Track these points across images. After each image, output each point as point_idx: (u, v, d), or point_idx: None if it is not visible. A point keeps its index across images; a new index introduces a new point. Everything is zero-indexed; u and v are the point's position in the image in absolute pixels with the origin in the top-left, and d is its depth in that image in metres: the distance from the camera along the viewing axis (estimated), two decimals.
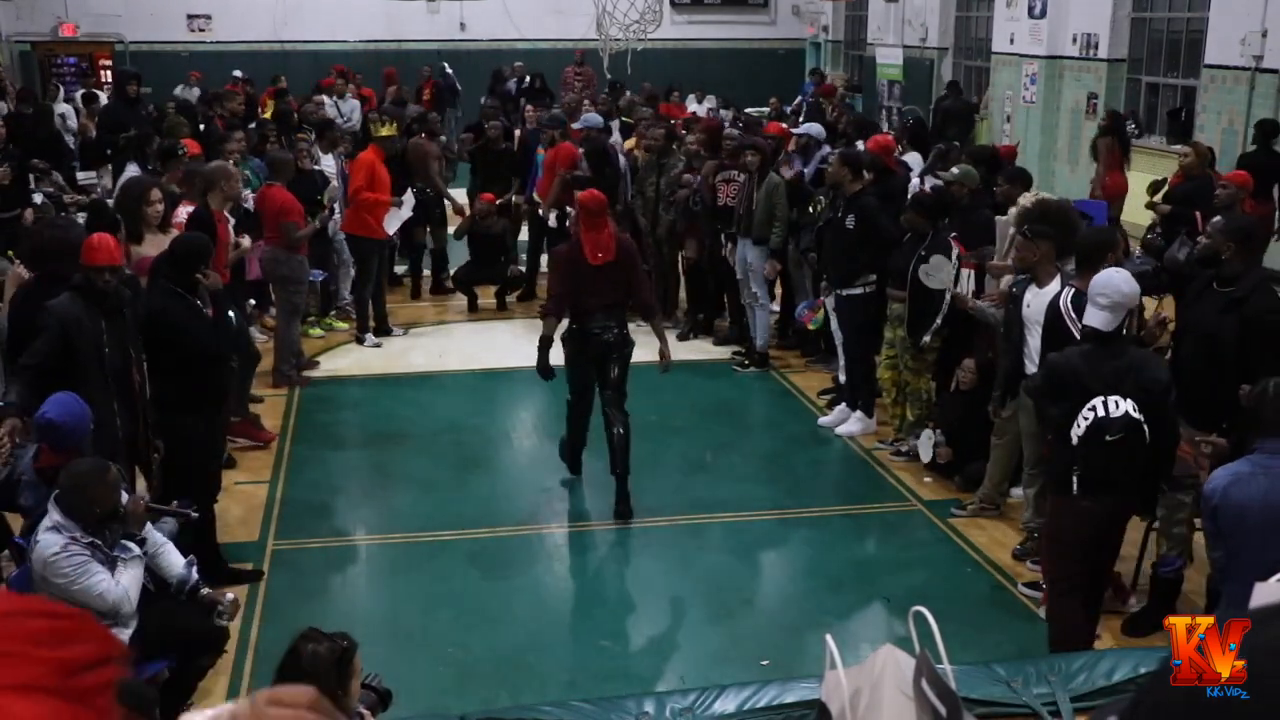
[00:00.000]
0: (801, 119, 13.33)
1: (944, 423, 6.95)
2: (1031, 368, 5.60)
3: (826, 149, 9.50)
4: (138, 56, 20.35)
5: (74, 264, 5.37)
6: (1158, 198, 9.07)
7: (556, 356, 6.56)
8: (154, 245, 6.53)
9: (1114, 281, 4.55)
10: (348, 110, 14.26)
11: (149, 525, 4.54)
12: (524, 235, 11.14)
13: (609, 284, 6.43)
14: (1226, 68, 12.34)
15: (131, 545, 4.28)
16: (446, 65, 19.00)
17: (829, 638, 2.41)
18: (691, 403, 8.67)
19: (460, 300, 10.96)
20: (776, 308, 9.56)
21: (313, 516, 6.65)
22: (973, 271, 6.90)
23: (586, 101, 14.08)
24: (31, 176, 10.33)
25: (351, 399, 8.70)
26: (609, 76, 16.83)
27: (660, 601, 5.75)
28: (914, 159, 10.06)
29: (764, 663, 5.06)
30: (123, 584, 4.18)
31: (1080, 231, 5.96)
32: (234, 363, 6.42)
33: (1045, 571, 5.13)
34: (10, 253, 6.55)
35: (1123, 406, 4.37)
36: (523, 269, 10.95)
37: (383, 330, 9.95)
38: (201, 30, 21.51)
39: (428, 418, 8.29)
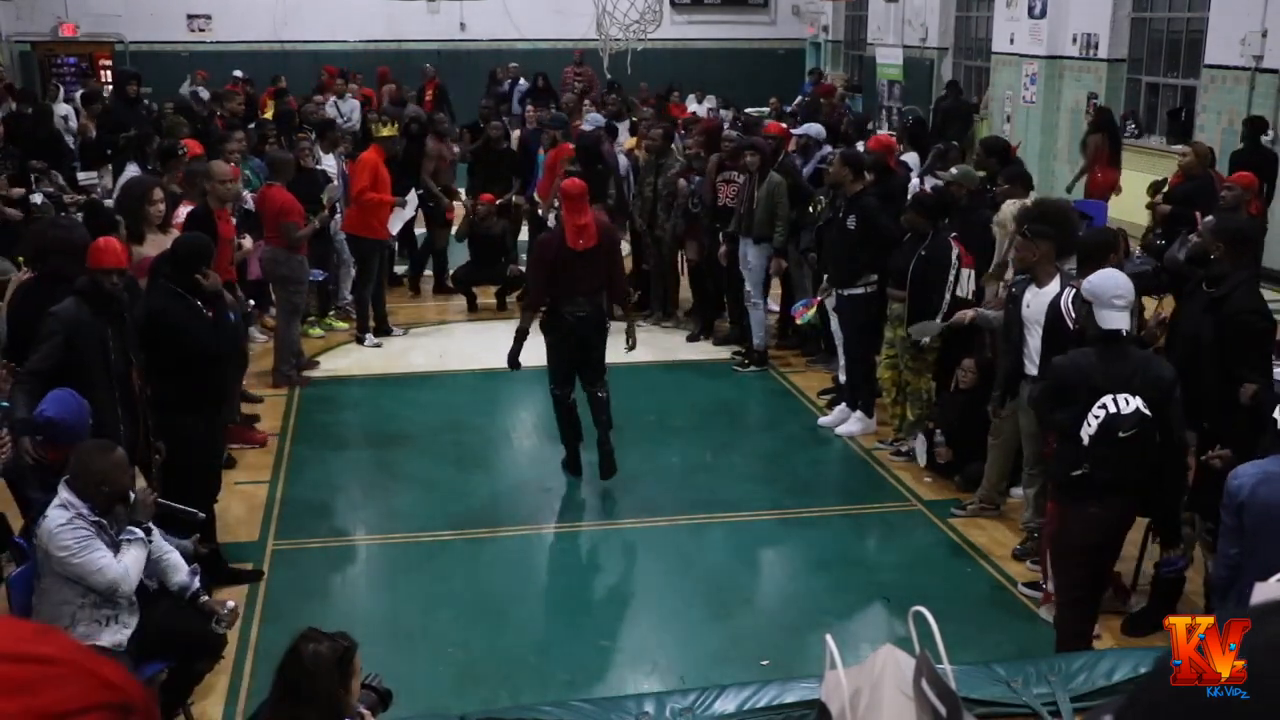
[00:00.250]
0: (799, 119, 13.33)
1: (944, 423, 6.95)
2: (1031, 368, 5.60)
3: (827, 149, 9.51)
4: (138, 56, 20.35)
5: (76, 264, 5.37)
6: (1158, 198, 9.08)
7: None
8: (154, 245, 6.53)
9: (1124, 281, 4.55)
10: (348, 110, 14.26)
11: (156, 532, 4.54)
12: (524, 235, 11.15)
13: (590, 269, 6.58)
14: (1226, 68, 12.35)
15: (137, 529, 4.28)
16: (428, 65, 18.96)
17: (829, 638, 2.41)
18: (691, 403, 8.67)
19: (460, 300, 10.96)
20: (775, 307, 9.56)
21: (313, 516, 6.65)
22: (973, 271, 6.90)
23: (587, 102, 14.07)
24: (32, 176, 10.33)
25: (351, 399, 8.70)
26: (609, 76, 16.83)
27: (660, 601, 5.75)
28: (912, 159, 10.08)
29: (764, 663, 5.06)
30: (124, 563, 4.16)
31: (1078, 231, 5.97)
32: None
33: (1053, 579, 5.10)
34: (20, 259, 6.55)
35: (1133, 403, 4.37)
36: (523, 269, 10.95)
37: (383, 330, 9.95)
38: (201, 30, 21.51)
39: (428, 418, 8.29)
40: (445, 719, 4.19)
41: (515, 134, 12.65)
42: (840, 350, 7.97)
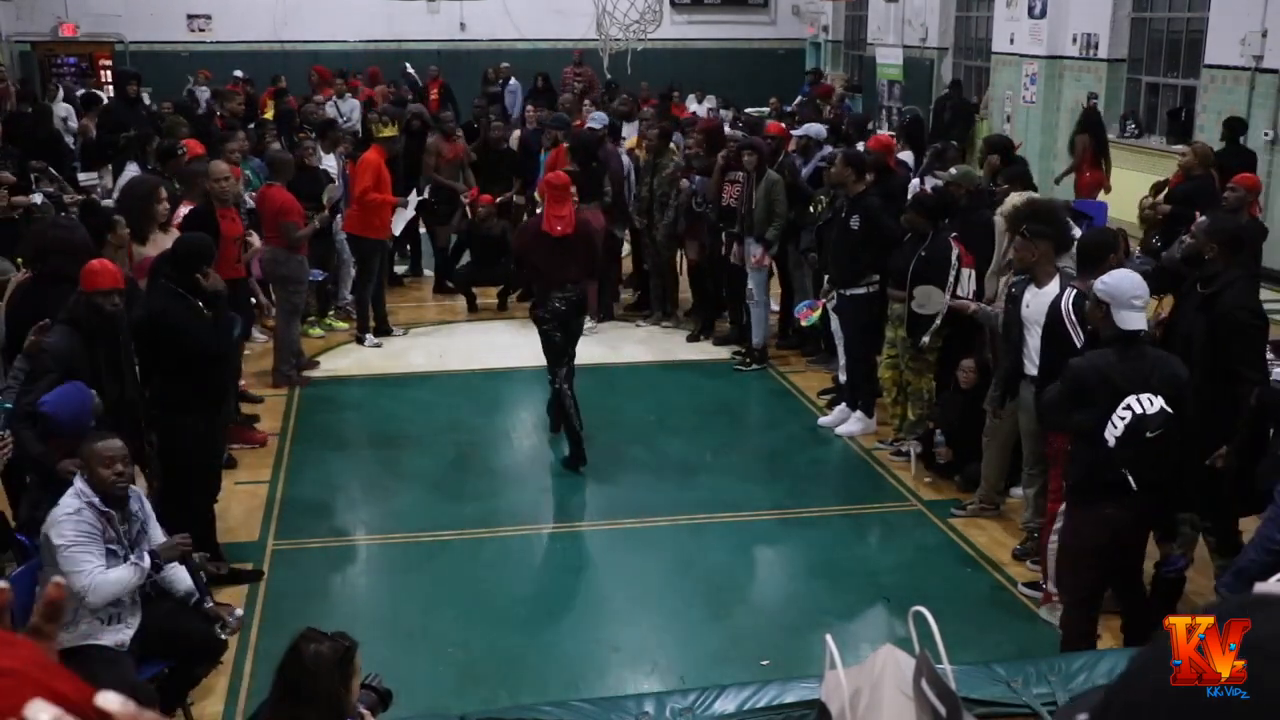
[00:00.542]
0: (798, 120, 13.33)
1: (944, 423, 6.95)
2: (1031, 368, 5.59)
3: (827, 149, 9.51)
4: (138, 56, 20.35)
5: (75, 264, 5.36)
6: (1159, 198, 9.09)
7: None
8: (155, 246, 6.54)
9: (1139, 281, 4.54)
10: (347, 110, 14.26)
11: (160, 532, 4.55)
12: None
13: (568, 256, 7.03)
14: (1226, 68, 12.35)
15: (145, 558, 4.27)
16: (408, 65, 18.91)
17: (829, 638, 2.41)
18: (691, 403, 8.67)
19: (460, 300, 10.96)
20: (776, 307, 9.57)
21: (313, 516, 6.65)
22: (973, 271, 6.90)
23: (587, 102, 14.06)
24: (32, 176, 10.33)
25: (351, 399, 8.70)
26: (609, 76, 16.83)
27: (660, 601, 5.75)
28: (907, 158, 10.10)
29: (764, 663, 5.06)
30: (108, 577, 4.12)
31: (1069, 227, 5.97)
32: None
33: (1061, 579, 5.09)
34: (19, 260, 6.54)
35: (1156, 403, 4.37)
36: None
37: (383, 330, 9.95)
38: (201, 30, 21.51)
39: (428, 418, 8.29)
40: (445, 719, 4.19)
41: (515, 134, 12.65)
42: (840, 350, 7.97)
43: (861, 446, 7.67)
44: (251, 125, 11.71)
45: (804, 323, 8.50)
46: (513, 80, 18.95)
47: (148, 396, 5.63)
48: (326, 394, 8.68)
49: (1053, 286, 5.54)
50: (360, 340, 9.79)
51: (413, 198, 10.18)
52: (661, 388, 9.05)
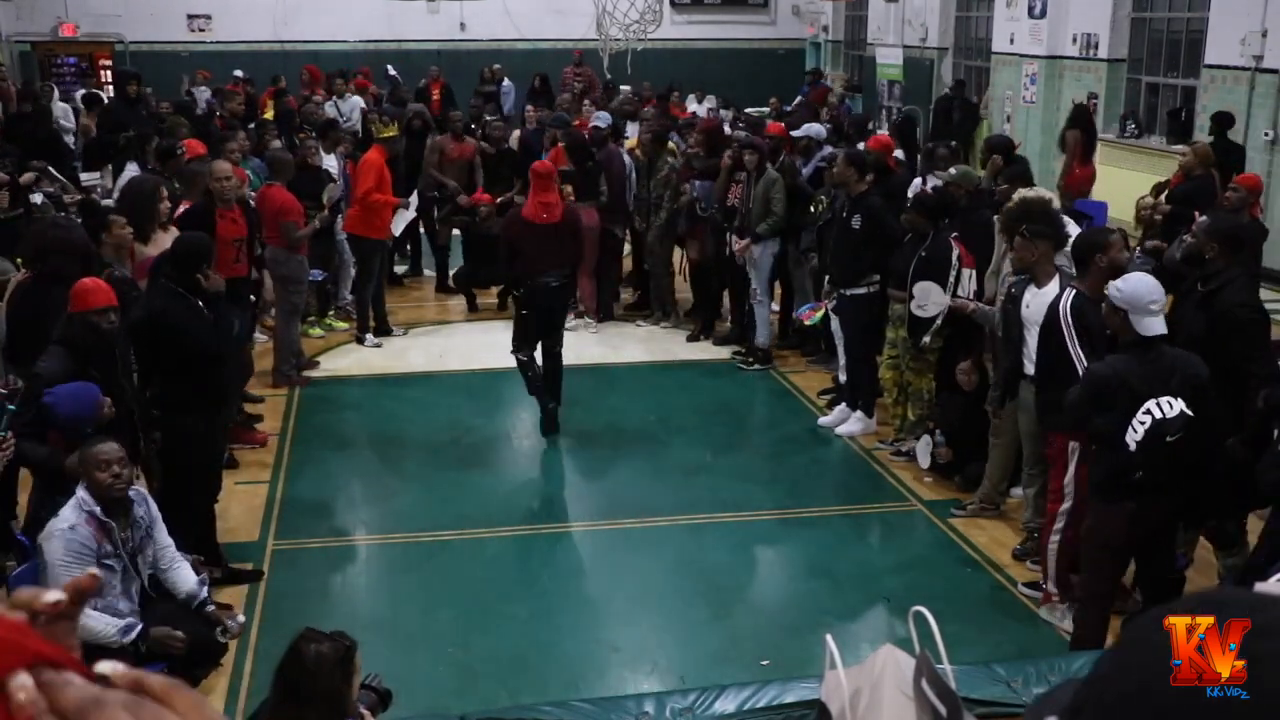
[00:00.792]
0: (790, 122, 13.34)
1: (944, 423, 6.95)
2: (1031, 368, 5.59)
3: (827, 149, 9.52)
4: (138, 56, 20.34)
5: (75, 263, 5.36)
6: (1160, 199, 9.10)
7: None
8: (156, 245, 6.54)
9: (1155, 284, 4.54)
10: (347, 110, 14.25)
11: (169, 543, 4.55)
12: None
13: (553, 244, 7.31)
14: (1226, 68, 12.35)
15: (133, 632, 4.20)
16: (390, 67, 18.89)
17: (829, 638, 2.42)
18: (692, 403, 8.67)
19: (460, 300, 10.96)
20: (776, 307, 9.57)
21: (313, 516, 6.65)
22: (973, 271, 6.90)
23: (587, 102, 14.06)
24: (33, 175, 10.33)
25: (351, 399, 8.70)
26: (609, 76, 16.82)
27: (660, 601, 5.75)
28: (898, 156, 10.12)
29: (764, 663, 5.06)
30: (86, 615, 4.09)
31: (1062, 224, 5.98)
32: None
33: (1081, 576, 5.08)
34: (19, 260, 6.54)
35: (1176, 406, 4.38)
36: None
37: (383, 330, 9.95)
38: (201, 30, 21.50)
39: (428, 418, 8.29)
40: (445, 719, 4.19)
41: (515, 134, 12.65)
42: (841, 350, 7.97)
43: (861, 446, 7.67)
44: (252, 125, 11.71)
45: (807, 323, 8.51)
46: (506, 80, 18.94)
47: (148, 397, 5.63)
48: (326, 394, 8.68)
49: (1052, 286, 5.54)
50: (360, 340, 9.79)
51: (414, 198, 10.18)
52: (661, 388, 9.05)
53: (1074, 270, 5.59)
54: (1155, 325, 4.47)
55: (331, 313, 10.35)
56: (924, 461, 7.03)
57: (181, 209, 7.41)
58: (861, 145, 9.12)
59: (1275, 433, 5.05)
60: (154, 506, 4.57)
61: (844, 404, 7.97)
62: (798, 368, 9.21)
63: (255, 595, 5.67)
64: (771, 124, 10.66)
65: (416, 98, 15.87)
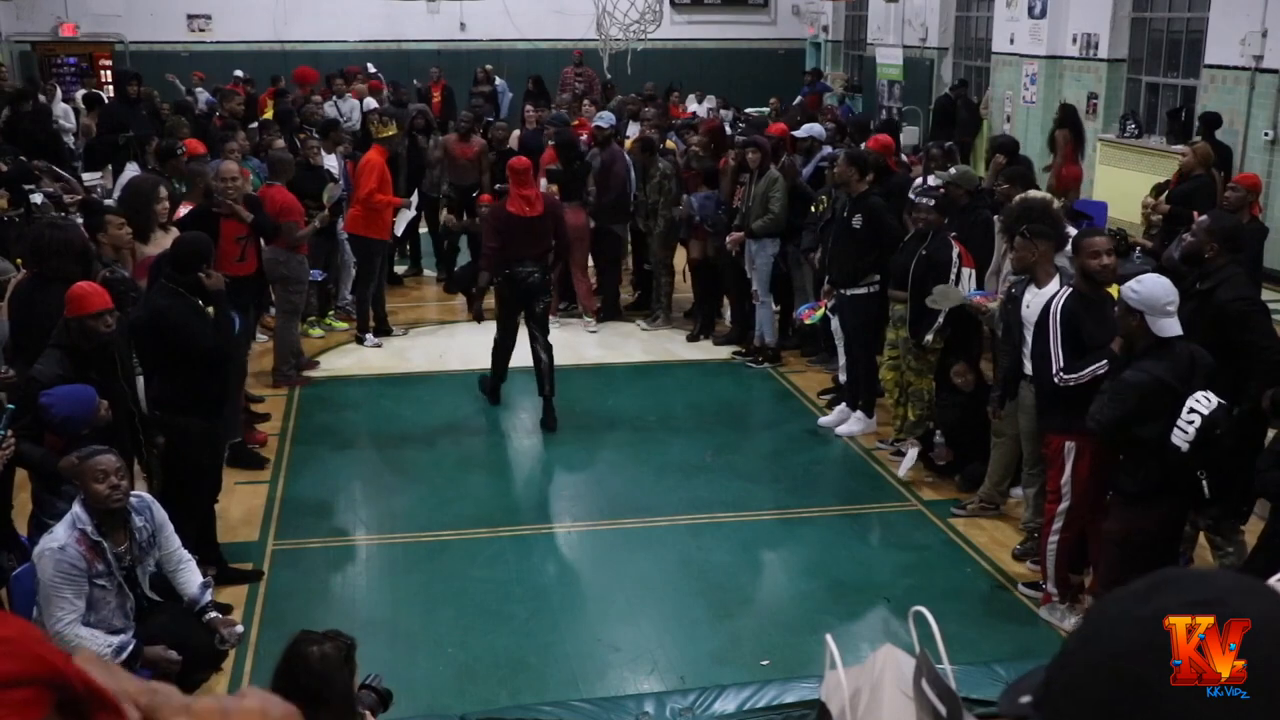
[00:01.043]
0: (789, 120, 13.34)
1: (943, 423, 6.95)
2: (1030, 368, 5.59)
3: (827, 149, 9.52)
4: (138, 56, 20.33)
5: (75, 264, 5.36)
6: (1160, 199, 9.11)
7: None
8: (157, 245, 6.54)
9: (1169, 286, 4.53)
10: (347, 110, 14.25)
11: (175, 539, 4.54)
12: None
13: (534, 236, 7.68)
14: (1226, 68, 12.35)
15: (127, 650, 4.18)
16: (371, 65, 18.88)
17: (829, 638, 2.42)
18: (691, 403, 8.67)
19: (460, 300, 10.96)
20: (776, 307, 9.57)
21: (313, 516, 6.65)
22: (973, 271, 6.90)
23: (586, 102, 14.06)
24: (35, 173, 10.34)
25: (351, 399, 8.70)
26: (609, 77, 16.82)
27: (660, 601, 5.75)
28: None
29: (764, 663, 5.06)
30: (78, 633, 4.07)
31: (1062, 225, 5.98)
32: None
33: (1104, 575, 5.07)
34: (18, 261, 6.55)
35: (1213, 399, 4.38)
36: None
37: (383, 330, 9.96)
38: (201, 30, 21.49)
39: (428, 418, 8.29)
40: (445, 719, 4.20)
41: (515, 134, 12.66)
42: (841, 350, 7.97)
43: (861, 446, 7.67)
44: (253, 125, 11.71)
45: (807, 322, 8.52)
46: (499, 80, 18.95)
47: (149, 397, 5.63)
48: (326, 394, 8.68)
49: (1052, 286, 5.54)
50: (360, 340, 9.80)
51: (415, 197, 10.19)
52: (661, 388, 9.05)
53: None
54: (1171, 326, 4.46)
55: (331, 313, 10.35)
56: (902, 471, 7.01)
57: (182, 209, 7.41)
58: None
59: (1275, 432, 5.07)
60: (159, 512, 4.51)
61: (844, 404, 7.97)
62: (798, 368, 9.21)
63: (255, 595, 5.67)
64: (773, 124, 10.67)
65: (418, 98, 15.89)
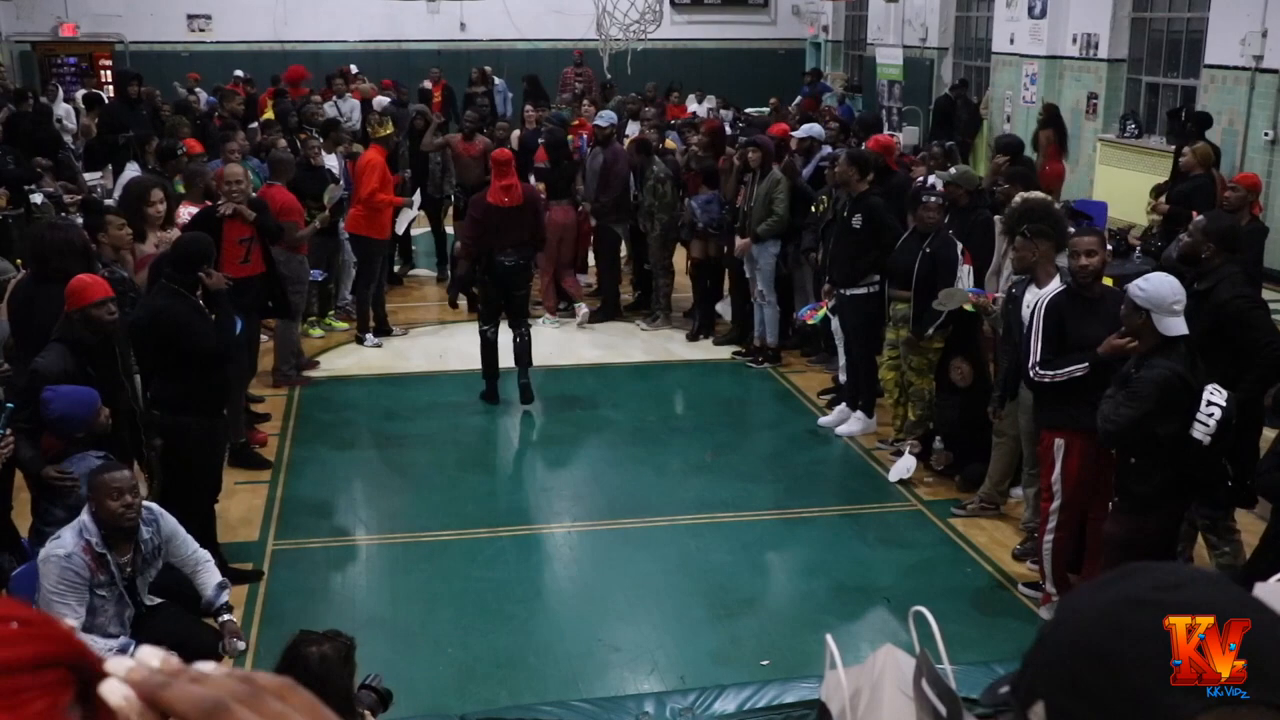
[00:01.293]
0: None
1: (943, 423, 6.95)
2: None
3: (827, 149, 9.52)
4: (138, 56, 20.33)
5: (76, 263, 5.36)
6: (1160, 200, 9.12)
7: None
8: (155, 245, 6.54)
9: (1176, 284, 4.51)
10: (347, 110, 14.26)
11: (189, 540, 4.54)
12: None
13: (514, 225, 7.96)
14: (1226, 68, 12.35)
15: (129, 643, 4.17)
16: (353, 66, 18.87)
17: (829, 638, 2.42)
18: (692, 403, 8.68)
19: (460, 300, 10.96)
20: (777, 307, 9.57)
21: (313, 516, 6.65)
22: (971, 268, 6.90)
23: (586, 102, 14.06)
24: (38, 170, 10.38)
25: (351, 399, 8.70)
26: (609, 76, 16.82)
27: (660, 601, 5.75)
28: None
29: (764, 663, 5.06)
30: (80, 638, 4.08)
31: (1065, 226, 5.98)
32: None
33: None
34: (18, 261, 6.55)
35: (1222, 391, 4.37)
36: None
37: (383, 330, 9.96)
38: (201, 30, 21.49)
39: (428, 418, 8.29)
40: (445, 719, 4.20)
41: (515, 133, 12.66)
42: (841, 350, 7.97)
43: (861, 446, 7.67)
44: (253, 125, 11.71)
45: (810, 322, 8.52)
46: (499, 80, 18.96)
47: (149, 397, 5.63)
48: (326, 394, 8.68)
49: (1052, 286, 5.54)
50: (360, 340, 9.80)
51: (416, 197, 10.20)
52: (661, 388, 9.06)
53: None
54: (1178, 325, 4.45)
55: (331, 313, 10.35)
56: (893, 476, 7.00)
57: (182, 209, 7.41)
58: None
59: (1277, 433, 5.08)
60: (167, 523, 4.47)
61: (844, 404, 7.97)
62: (798, 368, 9.21)
63: (255, 595, 5.67)
64: (775, 124, 10.67)
65: (420, 99, 15.90)
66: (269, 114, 13.37)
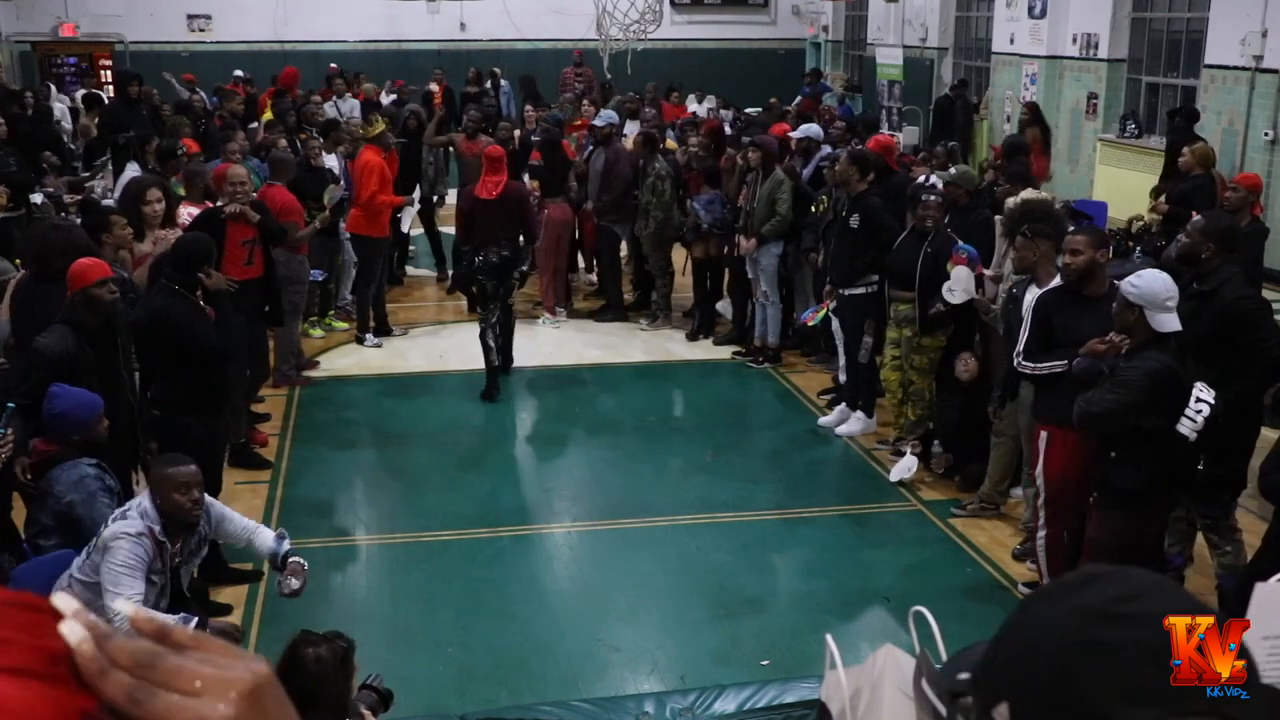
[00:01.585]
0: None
1: (942, 423, 6.95)
2: None
3: (826, 149, 9.52)
4: (138, 56, 20.33)
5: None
6: (1160, 200, 9.12)
7: None
8: (154, 244, 6.54)
9: (1169, 281, 4.52)
10: (347, 110, 14.26)
11: (235, 517, 4.59)
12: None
13: (501, 217, 8.43)
14: (1226, 68, 12.35)
15: (190, 618, 4.23)
16: (333, 64, 18.86)
17: (829, 638, 2.42)
18: (691, 403, 8.68)
19: (460, 300, 10.95)
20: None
21: (313, 516, 6.65)
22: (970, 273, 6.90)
23: (586, 102, 14.06)
24: (44, 166, 10.43)
25: (351, 399, 8.69)
26: (608, 76, 16.82)
27: (660, 601, 5.75)
28: None
29: (764, 663, 5.06)
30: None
31: (1065, 227, 5.98)
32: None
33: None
34: (18, 261, 6.56)
35: (1209, 390, 4.38)
36: (524, 268, 10.97)
37: (383, 330, 9.96)
38: (201, 30, 21.50)
39: (428, 418, 8.29)
40: (445, 719, 4.20)
41: (515, 134, 12.67)
42: (841, 350, 7.97)
43: (861, 446, 7.67)
44: (253, 125, 11.70)
45: (811, 323, 8.52)
46: (504, 82, 18.98)
47: (149, 397, 5.63)
48: (326, 394, 8.68)
49: (1052, 286, 5.54)
50: (360, 340, 9.80)
51: (416, 194, 10.21)
52: (661, 388, 9.06)
53: None
54: (1170, 322, 4.45)
55: (331, 313, 10.35)
56: (894, 476, 6.99)
57: (182, 209, 7.41)
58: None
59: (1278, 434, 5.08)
60: (215, 509, 4.55)
61: (844, 404, 7.97)
62: (798, 368, 9.21)
63: (255, 595, 5.67)
64: (775, 125, 10.67)
65: (422, 100, 15.91)
66: (268, 115, 13.37)
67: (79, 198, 9.89)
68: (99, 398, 4.72)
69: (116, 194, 8.62)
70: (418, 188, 10.55)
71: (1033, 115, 14.56)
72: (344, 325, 10.23)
